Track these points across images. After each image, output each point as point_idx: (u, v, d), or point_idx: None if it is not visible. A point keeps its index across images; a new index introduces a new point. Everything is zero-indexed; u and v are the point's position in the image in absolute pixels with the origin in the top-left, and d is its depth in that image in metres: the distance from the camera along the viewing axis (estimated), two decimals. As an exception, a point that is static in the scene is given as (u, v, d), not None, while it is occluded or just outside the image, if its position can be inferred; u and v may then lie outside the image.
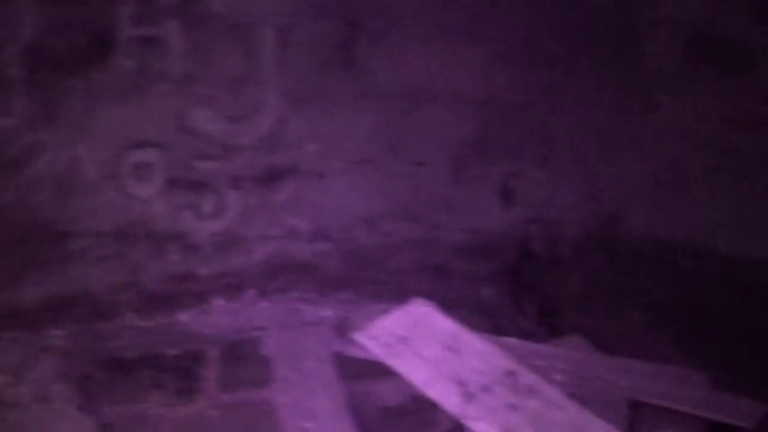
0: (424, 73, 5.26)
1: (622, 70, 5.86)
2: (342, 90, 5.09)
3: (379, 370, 4.00)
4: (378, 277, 5.15)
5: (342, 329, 4.42)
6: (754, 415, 3.87)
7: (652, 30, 5.91)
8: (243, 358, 4.42)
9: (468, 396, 3.44)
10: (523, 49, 5.49)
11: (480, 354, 3.68)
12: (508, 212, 5.61)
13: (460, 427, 3.45)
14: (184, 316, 4.83)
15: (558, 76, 5.63)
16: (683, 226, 5.75)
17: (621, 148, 5.91)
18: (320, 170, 5.10)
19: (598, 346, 4.58)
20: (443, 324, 3.93)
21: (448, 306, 4.48)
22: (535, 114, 5.60)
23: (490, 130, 5.47)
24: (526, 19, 5.46)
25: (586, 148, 5.85)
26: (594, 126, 5.84)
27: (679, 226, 5.77)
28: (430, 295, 4.46)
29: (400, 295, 4.50)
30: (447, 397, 3.50)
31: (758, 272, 5.42)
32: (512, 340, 4.24)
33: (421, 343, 3.81)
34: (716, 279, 5.59)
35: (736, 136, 5.51)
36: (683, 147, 5.77)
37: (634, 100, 5.91)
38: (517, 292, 5.50)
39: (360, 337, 4.05)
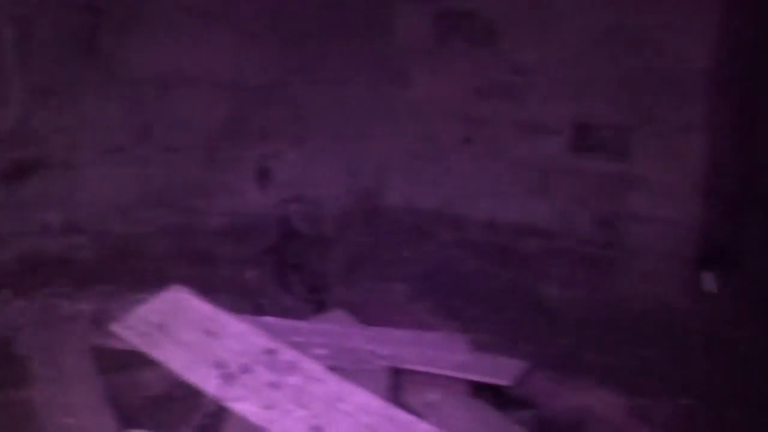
0: (173, 58, 5.16)
1: (374, 48, 5.95)
2: (88, 79, 4.92)
3: (143, 360, 3.91)
4: (137, 266, 5.02)
5: (100, 322, 4.30)
6: (512, 373, 4.01)
7: (401, 6, 6.02)
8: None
9: (228, 377, 3.41)
10: (272, 29, 5.48)
11: (239, 335, 3.64)
12: (265, 193, 5.59)
13: (223, 409, 3.43)
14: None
15: (310, 56, 5.65)
16: (441, 197, 5.91)
17: (377, 124, 6.01)
18: (69, 162, 4.92)
19: (363, 318, 4.62)
20: (201, 308, 3.86)
21: (212, 291, 4.40)
22: (289, 94, 5.60)
23: (243, 112, 5.44)
24: (274, 0, 5.47)
25: (342, 126, 5.91)
26: (349, 103, 5.90)
27: (438, 197, 5.93)
28: (191, 281, 4.38)
29: (160, 284, 4.39)
30: (206, 381, 3.45)
31: (513, 236, 5.64)
32: (272, 319, 4.22)
33: (179, 329, 3.74)
34: (475, 245, 5.78)
35: (487, 106, 5.70)
36: (437, 120, 5.93)
37: (387, 76, 6.01)
38: (282, 272, 5.49)
39: (117, 328, 3.95)
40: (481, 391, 3.94)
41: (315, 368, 3.44)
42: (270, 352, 3.52)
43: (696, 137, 5.09)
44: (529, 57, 5.55)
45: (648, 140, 5.18)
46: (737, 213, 5.63)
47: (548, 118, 5.50)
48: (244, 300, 4.90)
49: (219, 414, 3.47)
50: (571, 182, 5.46)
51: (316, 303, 5.20)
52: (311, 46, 5.66)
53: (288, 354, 3.52)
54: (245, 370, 3.45)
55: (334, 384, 3.36)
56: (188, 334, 3.69)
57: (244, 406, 3.31)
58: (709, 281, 5.31)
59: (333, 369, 3.52)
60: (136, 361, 3.92)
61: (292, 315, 4.62)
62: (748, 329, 4.93)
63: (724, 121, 5.30)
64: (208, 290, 4.28)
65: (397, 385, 3.82)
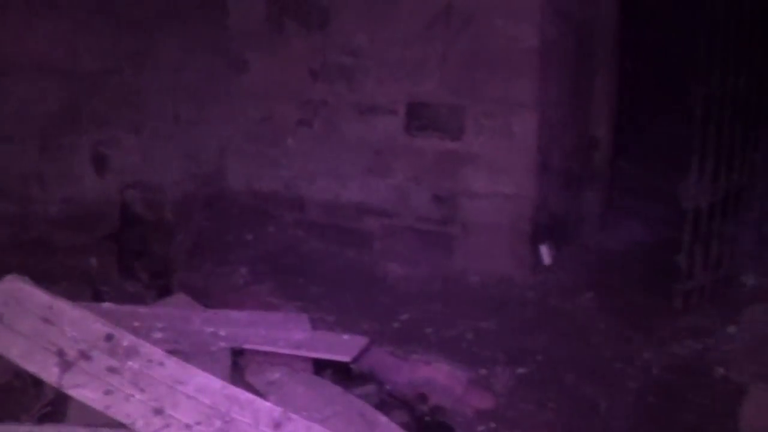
0: (2, 46, 5.05)
1: (210, 31, 5.93)
2: None
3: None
4: (-27, 259, 4.91)
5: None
6: (353, 349, 4.08)
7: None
8: None
9: (66, 365, 3.35)
10: (107, 15, 5.39)
11: (77, 322, 3.59)
12: (102, 180, 5.50)
13: (64, 396, 3.39)
14: None
15: (145, 41, 5.59)
16: (282, 179, 5.94)
17: (215, 108, 5.99)
18: None
19: (206, 302, 4.62)
20: (38, 297, 3.78)
21: (51, 279, 4.32)
22: (125, 80, 5.52)
23: (78, 100, 5.33)
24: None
25: (181, 111, 5.87)
26: (186, 88, 5.86)
27: (278, 179, 5.95)
28: (29, 270, 4.27)
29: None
30: (46, 369, 3.39)
31: (354, 216, 5.72)
32: (110, 305, 4.16)
33: (16, 318, 3.65)
34: (317, 226, 5.84)
35: (324, 89, 5.75)
36: (275, 102, 5.95)
37: (224, 59, 6.00)
38: (124, 259, 5.43)
39: (-50, 321, 3.85)
40: (323, 368, 4.01)
41: (154, 352, 3.42)
42: (109, 337, 3.48)
43: (528, 114, 5.26)
44: (362, 39, 5.62)
45: (481, 118, 5.33)
46: (571, 187, 5.84)
47: (384, 99, 5.60)
48: (84, 287, 4.83)
49: (60, 401, 3.43)
50: (408, 161, 5.57)
51: (158, 288, 5.16)
52: (146, 31, 5.59)
53: (127, 339, 3.49)
54: (84, 356, 3.41)
55: (175, 367, 3.35)
56: (26, 323, 3.61)
57: (84, 392, 3.27)
58: (545, 254, 5.50)
59: (173, 352, 3.51)
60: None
61: (134, 301, 4.58)
62: (583, 299, 5.14)
63: (556, 97, 5.48)
64: (47, 279, 4.19)
65: (239, 366, 3.85)
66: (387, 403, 3.97)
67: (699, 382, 4.29)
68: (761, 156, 5.17)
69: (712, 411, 4.06)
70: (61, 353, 3.46)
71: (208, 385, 3.27)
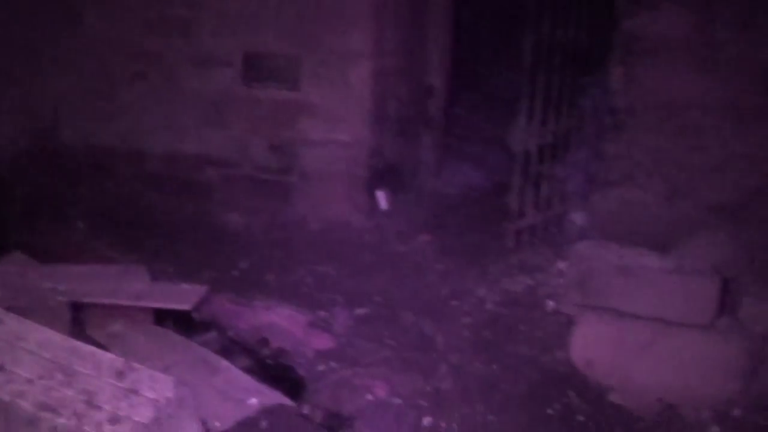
0: None
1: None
2: None
3: None
4: None
5: None
6: (192, 298, 4.12)
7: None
8: None
9: None
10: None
11: None
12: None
13: None
14: None
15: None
16: (118, 133, 5.88)
17: (51, 64, 5.88)
18: None
19: (45, 259, 4.57)
20: None
21: None
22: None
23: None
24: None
25: (17, 67, 5.76)
26: (19, 43, 5.75)
27: (115, 133, 5.89)
28: None
29: None
30: None
31: (193, 168, 5.71)
32: (-54, 265, 4.15)
33: None
34: (155, 179, 5.81)
35: (160, 41, 5.69)
36: (111, 56, 5.86)
37: (58, 14, 5.87)
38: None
39: None
40: (164, 318, 4.05)
41: (-8, 310, 3.40)
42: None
43: (364, 63, 5.36)
44: (198, -11, 5.60)
45: (317, 68, 5.40)
46: (408, 134, 5.96)
47: (220, 51, 5.60)
48: None
49: None
50: (246, 112, 5.61)
51: (-5, 248, 5.07)
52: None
53: (-38, 298, 3.47)
54: None
55: (14, 323, 3.33)
56: None
57: None
58: (382, 199, 5.62)
59: (12, 309, 3.49)
60: None
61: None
62: (419, 241, 5.29)
63: (392, 47, 5.58)
64: None
65: (80, 320, 3.86)
66: (229, 348, 4.05)
67: (531, 315, 4.51)
68: (590, 101, 5.37)
69: (544, 342, 4.28)
70: None
71: (48, 339, 3.27)
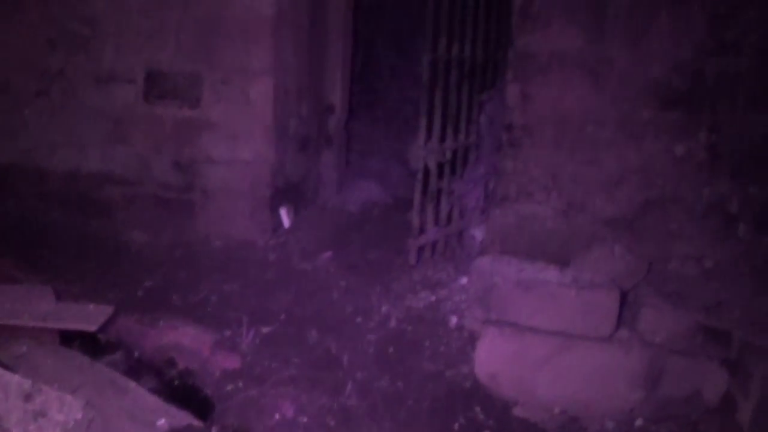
0: None
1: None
2: None
3: None
4: None
5: None
6: (98, 319, 4.10)
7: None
8: None
9: None
10: None
11: None
12: None
13: None
14: None
15: None
16: (19, 150, 5.80)
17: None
18: None
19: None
20: None
21: None
22: None
23: None
24: None
25: None
26: None
27: (15, 150, 5.81)
28: None
29: None
30: None
31: (95, 185, 5.68)
32: None
33: None
34: (58, 197, 5.75)
35: (61, 58, 5.64)
36: (11, 72, 5.79)
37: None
38: None
39: None
40: (71, 339, 4.01)
41: None
42: None
43: (264, 81, 5.40)
44: (100, 7, 5.59)
45: (219, 86, 5.43)
46: (309, 151, 6.01)
47: (122, 68, 5.60)
48: None
49: None
50: (148, 129, 5.61)
51: None
52: None
53: None
54: None
55: None
56: None
57: None
58: (285, 217, 5.66)
59: None
60: None
61: None
62: (323, 258, 5.33)
63: (292, 64, 5.62)
64: None
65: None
66: (136, 369, 4.04)
67: (435, 331, 4.59)
68: (487, 117, 5.47)
69: (448, 357, 4.37)
70: None
71: (-49, 363, 3.24)
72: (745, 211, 4.56)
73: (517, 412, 4.05)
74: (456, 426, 3.88)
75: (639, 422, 3.99)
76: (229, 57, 5.39)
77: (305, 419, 3.81)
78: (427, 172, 5.15)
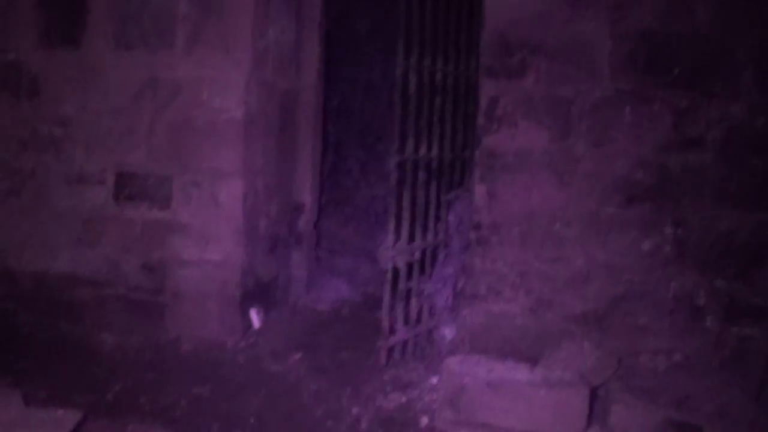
0: None
1: None
2: None
3: None
4: None
5: None
6: (66, 425, 4.06)
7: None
8: None
9: None
10: None
11: None
12: None
13: None
14: None
15: None
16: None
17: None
18: None
19: None
20: None
21: None
22: None
23: None
24: None
25: None
26: None
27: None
28: None
29: None
30: None
31: (65, 287, 5.66)
32: None
33: None
34: (26, 298, 5.73)
35: (32, 158, 5.67)
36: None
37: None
38: None
39: None
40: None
41: None
42: None
43: (234, 183, 5.45)
44: (71, 109, 5.65)
45: (189, 187, 5.47)
46: (278, 251, 6.03)
47: (93, 169, 5.63)
48: None
49: None
50: (118, 231, 5.61)
51: None
52: None
53: None
54: None
55: None
56: None
57: None
58: (255, 318, 5.65)
59: None
60: None
61: None
62: (293, 360, 5.31)
63: (261, 165, 5.67)
64: None
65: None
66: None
67: (406, 432, 4.55)
68: (455, 216, 5.51)
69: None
70: None
71: None
72: (711, 304, 4.60)
73: None
74: None
75: None
76: (200, 158, 5.44)
77: None
78: (396, 272, 5.16)
